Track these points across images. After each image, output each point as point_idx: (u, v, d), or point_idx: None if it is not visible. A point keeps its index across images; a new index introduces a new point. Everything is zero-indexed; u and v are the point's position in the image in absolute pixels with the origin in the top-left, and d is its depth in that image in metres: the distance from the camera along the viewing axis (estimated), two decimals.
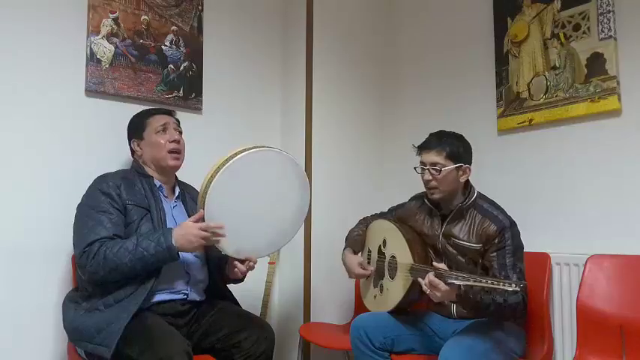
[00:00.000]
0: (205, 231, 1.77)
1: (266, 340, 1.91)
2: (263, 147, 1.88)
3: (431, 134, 2.00)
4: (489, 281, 1.56)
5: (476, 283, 1.59)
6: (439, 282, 1.68)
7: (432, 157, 1.93)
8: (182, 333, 1.80)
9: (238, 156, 1.81)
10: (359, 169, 2.89)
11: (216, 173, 1.78)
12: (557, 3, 2.24)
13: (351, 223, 2.37)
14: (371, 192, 2.90)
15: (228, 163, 1.79)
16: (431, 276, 1.70)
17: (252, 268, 1.97)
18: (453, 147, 1.93)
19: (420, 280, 1.78)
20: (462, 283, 1.63)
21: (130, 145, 2.07)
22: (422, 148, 1.98)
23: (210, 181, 1.78)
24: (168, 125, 2.03)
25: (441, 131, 2.00)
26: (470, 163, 1.98)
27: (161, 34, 2.43)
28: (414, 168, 2.02)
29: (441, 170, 1.91)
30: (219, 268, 2.04)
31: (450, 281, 1.65)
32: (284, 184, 1.95)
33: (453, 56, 2.69)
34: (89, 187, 1.90)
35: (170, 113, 2.09)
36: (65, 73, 2.16)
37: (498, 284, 1.54)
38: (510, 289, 1.52)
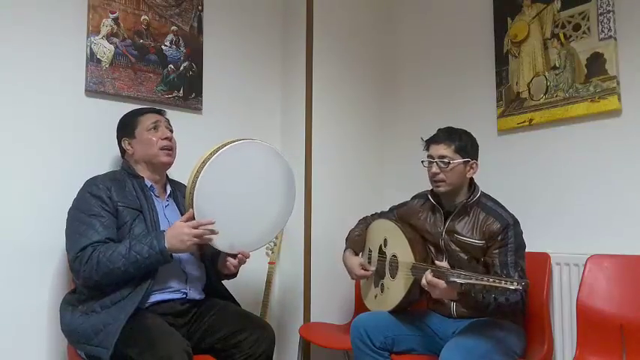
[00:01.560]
0: (197, 229, 1.77)
1: (266, 340, 1.91)
2: (244, 140, 1.90)
3: (440, 129, 2.02)
4: (491, 280, 1.55)
5: (477, 282, 1.59)
6: (438, 281, 1.68)
7: (440, 150, 1.95)
8: (182, 333, 1.79)
9: (219, 151, 1.82)
10: (359, 169, 2.89)
11: (200, 171, 1.79)
12: (557, 3, 2.24)
13: (351, 223, 2.37)
14: (371, 192, 2.90)
15: (211, 159, 1.80)
16: (429, 276, 1.71)
17: (243, 261, 1.97)
18: (462, 142, 1.96)
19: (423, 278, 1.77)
20: (463, 281, 1.62)
21: (120, 144, 2.06)
22: (430, 142, 2.01)
23: (195, 180, 1.79)
24: (160, 123, 2.03)
25: (449, 127, 2.02)
26: (477, 160, 1.99)
27: (161, 34, 2.42)
28: (422, 161, 2.02)
29: (449, 163, 1.93)
30: (214, 265, 2.05)
31: (451, 279, 1.65)
32: (269, 174, 1.97)
33: (452, 56, 2.70)
34: (79, 191, 1.89)
35: (160, 112, 2.09)
36: (65, 73, 2.16)
37: (500, 282, 1.54)
38: (512, 287, 1.52)
